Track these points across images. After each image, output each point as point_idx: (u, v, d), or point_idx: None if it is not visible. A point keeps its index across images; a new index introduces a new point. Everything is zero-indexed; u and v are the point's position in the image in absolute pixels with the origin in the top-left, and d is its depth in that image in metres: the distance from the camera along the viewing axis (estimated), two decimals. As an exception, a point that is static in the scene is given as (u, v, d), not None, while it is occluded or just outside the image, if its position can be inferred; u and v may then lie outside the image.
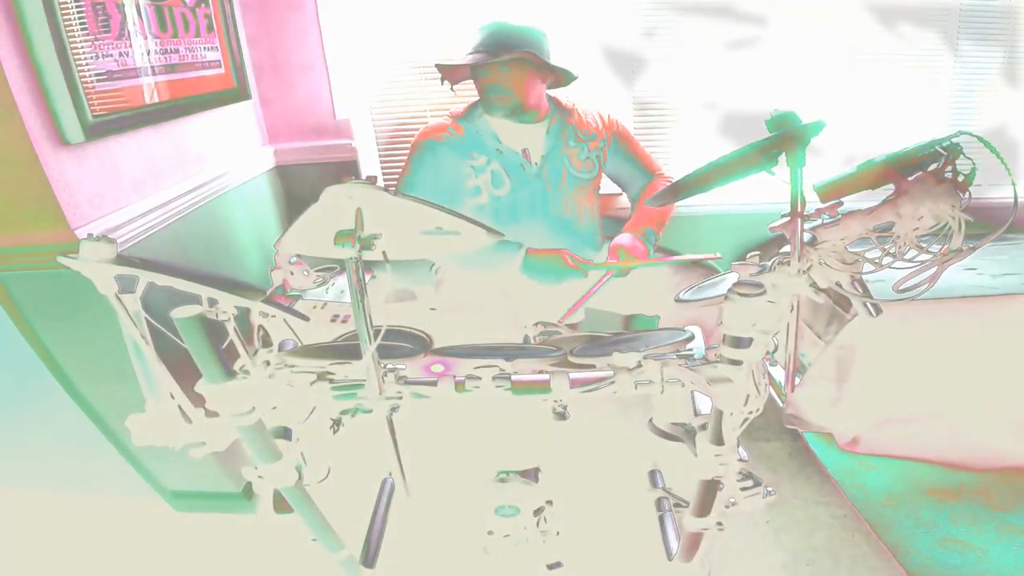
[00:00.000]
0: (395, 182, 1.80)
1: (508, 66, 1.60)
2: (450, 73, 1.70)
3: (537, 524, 1.11)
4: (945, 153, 0.85)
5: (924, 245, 0.87)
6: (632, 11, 2.00)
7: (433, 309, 1.80)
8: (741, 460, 0.96)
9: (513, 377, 0.92)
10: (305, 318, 0.92)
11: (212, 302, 0.82)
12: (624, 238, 1.70)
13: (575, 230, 1.77)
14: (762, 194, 2.09)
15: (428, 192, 1.69)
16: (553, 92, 1.79)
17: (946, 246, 0.83)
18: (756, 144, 0.88)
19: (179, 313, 0.80)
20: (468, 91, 1.73)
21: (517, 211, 1.72)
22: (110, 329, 1.11)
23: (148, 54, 1.40)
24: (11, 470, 1.92)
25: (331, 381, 0.92)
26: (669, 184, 1.01)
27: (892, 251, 0.87)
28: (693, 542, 1.16)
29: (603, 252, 1.82)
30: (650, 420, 1.13)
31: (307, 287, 1.08)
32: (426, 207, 0.78)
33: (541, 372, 0.93)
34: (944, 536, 1.47)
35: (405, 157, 1.76)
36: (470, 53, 1.62)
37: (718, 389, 0.87)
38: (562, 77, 1.70)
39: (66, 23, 1.15)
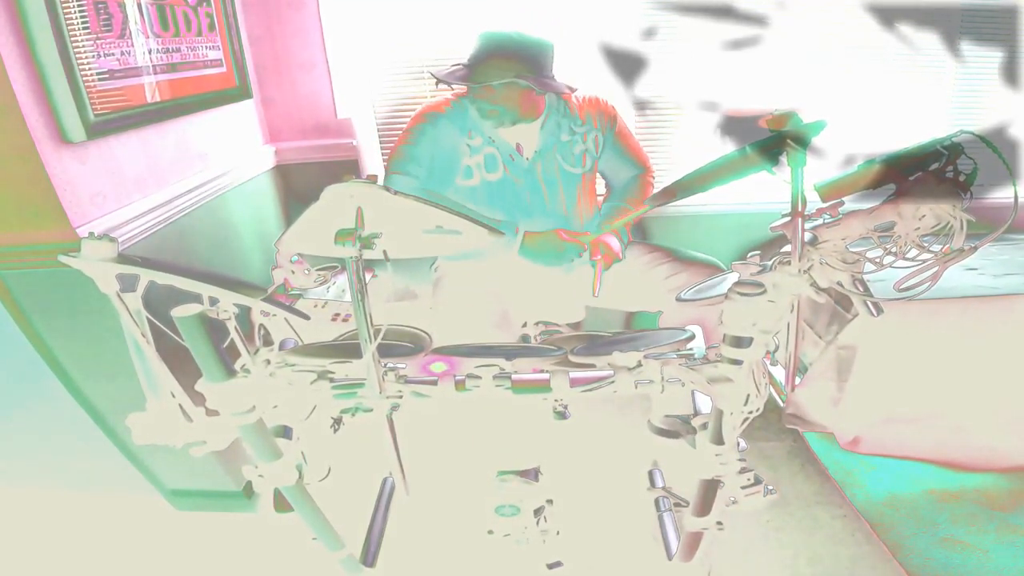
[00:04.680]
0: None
1: (500, 86, 1.57)
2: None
3: (537, 523, 1.11)
4: (946, 152, 0.84)
5: (925, 244, 0.87)
6: (632, 11, 2.00)
7: (431, 308, 1.79)
8: (741, 453, 0.96)
9: (513, 376, 0.92)
10: (306, 317, 0.92)
11: (213, 301, 0.82)
12: (605, 236, 1.72)
13: (570, 225, 1.76)
14: (763, 194, 2.09)
15: (423, 165, 1.68)
16: None
17: (947, 246, 0.83)
18: (757, 144, 0.88)
19: (180, 312, 0.80)
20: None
21: (509, 201, 1.70)
22: (111, 328, 1.12)
23: (150, 53, 1.40)
24: (11, 468, 1.92)
25: (331, 380, 0.92)
26: (669, 184, 1.01)
27: (893, 251, 0.87)
28: (693, 541, 1.16)
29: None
30: (648, 420, 1.13)
31: (308, 286, 1.08)
32: (427, 206, 0.78)
33: (541, 371, 0.93)
34: (944, 536, 1.47)
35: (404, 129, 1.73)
36: (462, 65, 1.60)
37: (718, 389, 0.87)
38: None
39: (68, 22, 1.16)
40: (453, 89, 1.71)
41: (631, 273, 1.73)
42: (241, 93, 1.84)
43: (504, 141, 1.69)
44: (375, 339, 0.86)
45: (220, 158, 1.74)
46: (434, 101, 1.74)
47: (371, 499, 1.44)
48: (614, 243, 1.71)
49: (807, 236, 0.92)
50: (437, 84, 1.68)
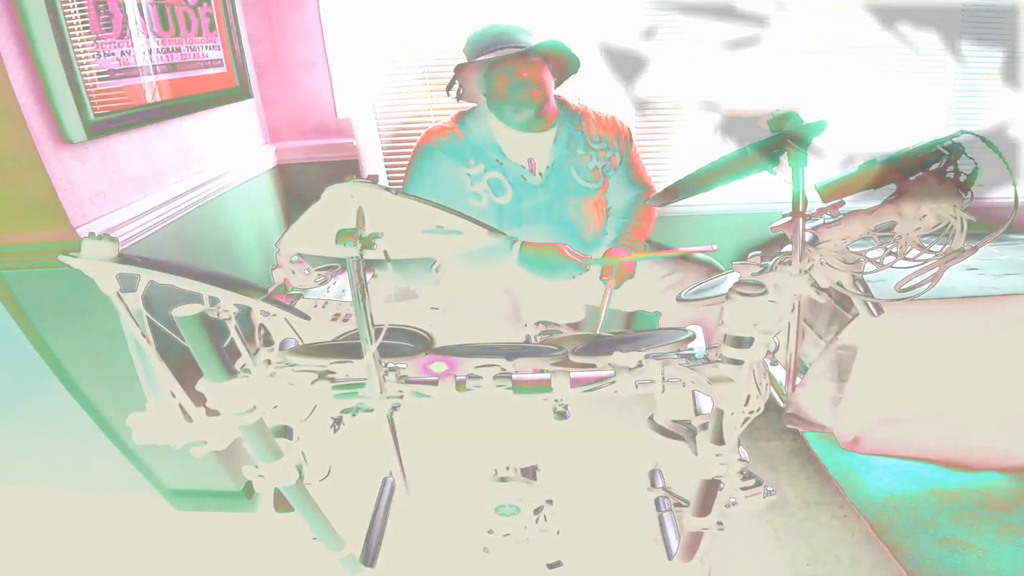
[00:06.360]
0: (396, 181, 1.80)
1: (533, 61, 1.58)
2: (465, 77, 1.64)
3: (537, 523, 1.11)
4: (947, 153, 0.84)
5: (926, 245, 0.87)
6: (632, 11, 2.00)
7: (435, 308, 1.79)
8: (742, 460, 0.96)
9: (514, 376, 0.92)
10: (306, 317, 0.92)
11: (213, 301, 0.82)
12: (616, 251, 1.72)
13: (580, 240, 1.75)
14: (763, 194, 2.09)
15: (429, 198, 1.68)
16: (561, 94, 1.77)
17: (948, 246, 0.83)
18: (758, 144, 0.88)
19: (180, 312, 0.80)
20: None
21: (520, 219, 1.69)
22: (111, 328, 1.11)
23: (150, 53, 1.40)
24: (12, 468, 1.92)
25: (332, 380, 0.92)
26: (670, 184, 1.02)
27: (894, 251, 0.87)
28: (693, 542, 1.16)
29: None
30: (650, 417, 1.13)
31: (308, 286, 1.08)
32: (427, 206, 0.78)
33: (542, 371, 0.93)
34: (944, 536, 1.47)
35: (408, 158, 1.74)
36: (492, 50, 1.57)
37: (719, 389, 0.87)
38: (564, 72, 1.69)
39: (68, 22, 1.16)
40: (458, 99, 1.69)
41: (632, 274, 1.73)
42: (241, 93, 1.84)
43: (513, 163, 1.67)
44: (376, 339, 0.86)
45: (220, 158, 1.74)
46: (434, 127, 1.71)
47: (371, 499, 1.44)
48: (619, 253, 1.71)
49: (808, 236, 0.92)
50: (449, 91, 1.65)
